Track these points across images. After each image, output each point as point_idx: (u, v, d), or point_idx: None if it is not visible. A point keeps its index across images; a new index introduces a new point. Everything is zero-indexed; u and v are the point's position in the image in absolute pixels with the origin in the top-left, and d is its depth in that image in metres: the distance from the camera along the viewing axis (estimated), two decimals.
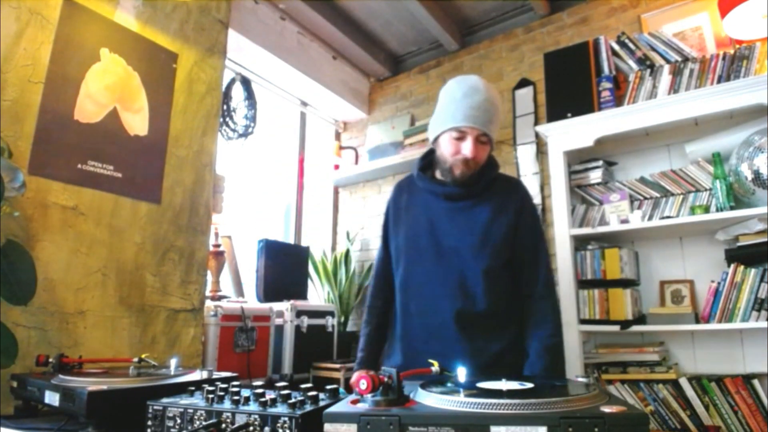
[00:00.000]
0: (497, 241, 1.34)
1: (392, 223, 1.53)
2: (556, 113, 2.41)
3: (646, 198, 2.32)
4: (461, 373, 0.88)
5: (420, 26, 3.21)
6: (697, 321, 2.04)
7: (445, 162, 1.38)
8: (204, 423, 0.81)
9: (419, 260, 1.41)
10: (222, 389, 0.86)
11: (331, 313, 2.83)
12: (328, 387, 0.90)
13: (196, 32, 2.24)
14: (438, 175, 1.46)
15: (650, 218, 2.25)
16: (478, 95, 1.33)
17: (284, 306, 2.55)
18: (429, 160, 1.50)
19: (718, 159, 2.09)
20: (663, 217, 2.21)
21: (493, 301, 1.32)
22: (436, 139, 1.41)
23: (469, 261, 1.33)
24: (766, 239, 1.95)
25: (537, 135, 2.85)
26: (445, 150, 1.37)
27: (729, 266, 2.02)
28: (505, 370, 1.15)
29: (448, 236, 1.37)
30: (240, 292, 2.75)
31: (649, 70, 2.30)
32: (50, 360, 1.30)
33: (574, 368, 2.15)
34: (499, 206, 1.38)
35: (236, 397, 0.84)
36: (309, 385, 0.86)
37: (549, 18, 3.03)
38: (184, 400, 0.87)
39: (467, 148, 1.32)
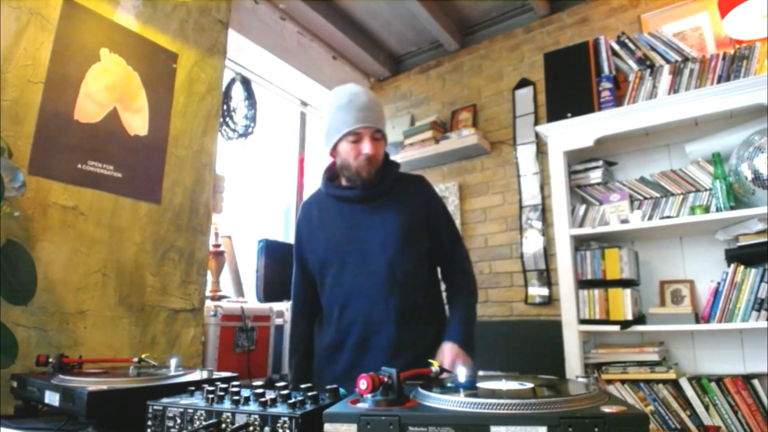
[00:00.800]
0: (412, 234, 1.43)
1: (307, 241, 1.57)
2: (556, 113, 2.41)
3: (646, 198, 2.32)
4: (461, 373, 0.88)
5: (420, 26, 3.21)
6: (697, 321, 2.04)
7: (349, 168, 1.44)
8: (204, 423, 0.81)
9: (346, 266, 1.44)
10: (222, 389, 0.86)
11: None
12: (328, 387, 0.90)
13: (196, 32, 2.24)
14: (344, 183, 1.52)
15: (650, 218, 2.25)
16: (362, 97, 1.41)
17: (284, 306, 2.55)
18: (332, 173, 1.57)
19: (718, 159, 2.09)
20: (663, 217, 2.21)
21: (417, 292, 1.43)
22: (334, 149, 1.47)
23: (393, 257, 1.40)
24: (766, 239, 1.95)
25: (537, 135, 2.85)
26: (347, 156, 1.42)
27: (729, 266, 2.02)
28: (417, 353, 1.33)
29: (370, 237, 1.43)
30: (240, 292, 2.75)
31: (649, 70, 2.30)
32: (50, 360, 1.30)
33: (574, 368, 2.15)
34: (408, 201, 1.47)
35: (236, 397, 0.84)
36: (309, 385, 0.86)
37: (549, 18, 3.03)
38: (184, 400, 0.87)
39: (366, 146, 1.39)
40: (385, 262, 1.40)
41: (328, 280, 1.48)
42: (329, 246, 1.48)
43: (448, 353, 1.34)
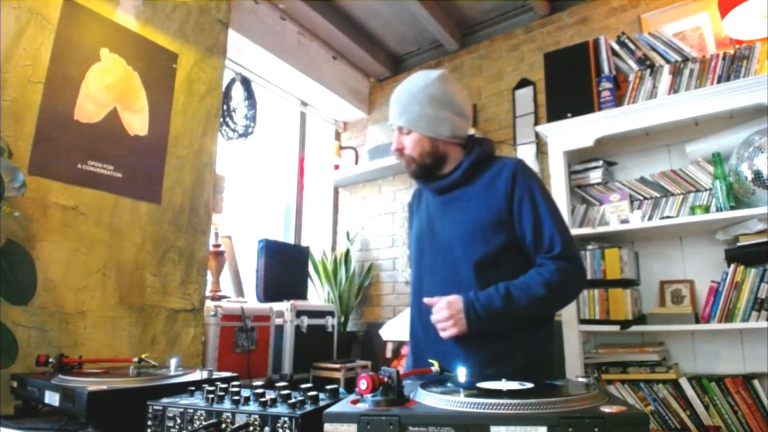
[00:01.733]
0: (485, 226, 1.28)
1: (409, 230, 1.55)
2: (556, 113, 2.41)
3: (646, 198, 2.32)
4: (461, 373, 0.88)
5: (420, 26, 3.21)
6: (697, 321, 2.04)
7: None
8: (204, 423, 0.81)
9: (421, 260, 1.40)
10: (222, 389, 0.86)
11: (331, 313, 2.83)
12: (328, 387, 0.90)
13: (196, 32, 2.24)
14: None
15: (650, 218, 2.25)
16: (396, 91, 1.39)
17: (284, 306, 2.55)
18: None
19: (718, 159, 2.09)
20: (663, 217, 2.21)
21: None
22: None
23: (460, 253, 1.29)
24: (766, 239, 1.95)
25: (537, 135, 2.85)
26: None
27: (729, 266, 2.02)
28: (508, 369, 0.97)
29: (442, 230, 1.35)
30: (240, 292, 2.75)
31: (649, 70, 2.30)
32: (50, 360, 1.30)
33: (574, 368, 2.15)
34: (485, 190, 1.32)
35: (236, 397, 0.84)
36: (309, 385, 0.86)
37: (549, 18, 3.03)
38: (184, 400, 0.87)
39: (393, 143, 1.39)
40: (450, 261, 1.30)
41: (412, 274, 1.45)
42: (414, 239, 1.46)
43: (440, 303, 1.21)
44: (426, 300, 1.25)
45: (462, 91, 1.43)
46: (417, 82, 1.36)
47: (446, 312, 1.19)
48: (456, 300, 1.20)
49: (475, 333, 1.19)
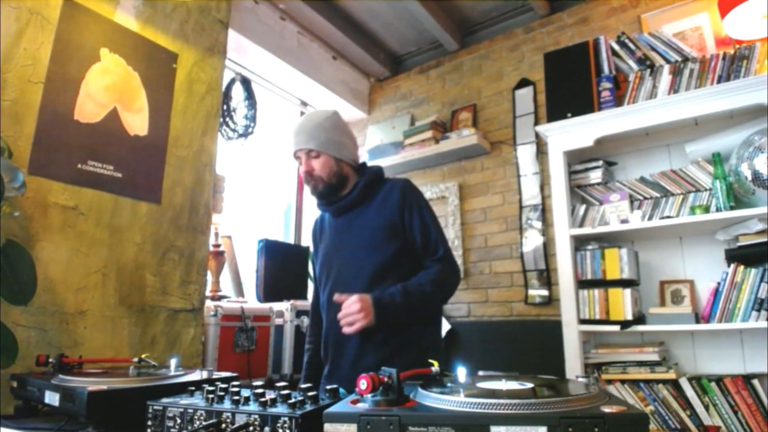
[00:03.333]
0: (383, 234, 1.48)
1: (314, 256, 1.71)
2: (556, 113, 2.41)
3: (646, 198, 2.32)
4: (461, 373, 0.88)
5: (420, 26, 3.21)
6: (697, 321, 2.04)
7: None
8: (204, 423, 0.81)
9: (329, 278, 1.56)
10: (222, 389, 0.86)
11: None
12: (328, 387, 0.90)
13: (196, 32, 2.24)
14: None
15: (650, 218, 2.25)
16: (297, 124, 1.56)
17: (284, 306, 2.55)
18: None
19: (718, 159, 2.09)
20: (663, 217, 2.21)
21: None
22: None
23: (364, 260, 1.47)
24: (766, 239, 1.95)
25: (537, 135, 2.85)
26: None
27: (729, 266, 2.02)
28: (410, 356, 1.37)
29: (347, 245, 1.53)
30: (240, 292, 2.75)
31: (649, 70, 2.30)
32: (50, 360, 1.30)
33: (574, 368, 2.15)
34: (381, 204, 1.52)
35: (236, 397, 0.84)
36: (309, 385, 0.86)
37: (549, 18, 3.03)
38: (184, 400, 0.87)
39: (301, 166, 1.55)
40: (356, 269, 1.48)
41: (322, 293, 1.60)
42: (321, 262, 1.63)
43: (352, 297, 1.35)
44: (336, 296, 1.40)
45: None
46: (318, 115, 1.58)
47: (358, 305, 1.34)
48: (365, 297, 1.36)
49: (379, 326, 1.36)
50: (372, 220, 1.51)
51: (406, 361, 1.05)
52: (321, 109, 1.64)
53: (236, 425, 0.78)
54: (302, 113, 3.67)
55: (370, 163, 1.66)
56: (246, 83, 2.92)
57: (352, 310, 1.34)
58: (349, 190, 1.56)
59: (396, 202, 1.51)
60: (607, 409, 0.62)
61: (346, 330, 1.35)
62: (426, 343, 1.49)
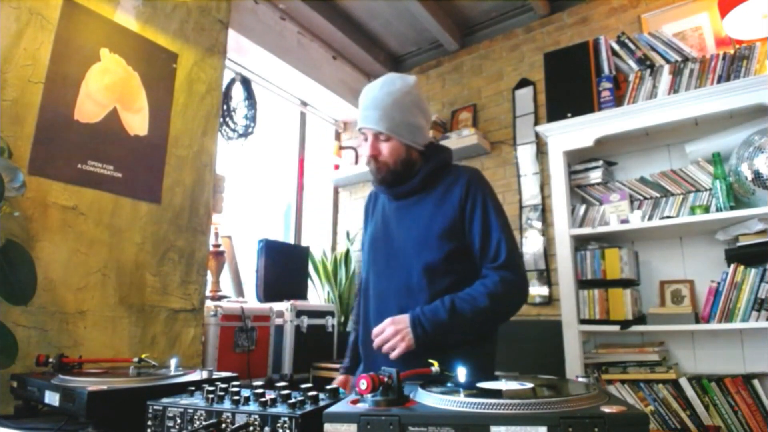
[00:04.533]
0: (440, 233, 1.30)
1: (364, 233, 1.56)
2: (556, 113, 2.41)
3: (646, 198, 2.32)
4: (461, 373, 0.88)
5: (420, 26, 3.21)
6: (697, 321, 2.04)
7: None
8: (204, 423, 0.81)
9: (375, 263, 1.42)
10: (222, 389, 0.86)
11: (331, 313, 2.83)
12: (328, 387, 0.90)
13: (196, 32, 2.24)
14: None
15: (650, 218, 2.25)
16: (370, 93, 1.34)
17: (284, 306, 2.55)
18: None
19: (718, 159, 2.09)
20: (663, 217, 2.21)
21: (436, 297, 1.26)
22: None
23: (413, 258, 1.31)
24: (766, 239, 1.95)
25: (537, 135, 2.85)
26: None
27: (729, 266, 2.02)
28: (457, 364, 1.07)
29: (397, 235, 1.37)
30: (240, 292, 2.75)
31: (649, 70, 2.30)
32: (50, 360, 1.30)
33: (574, 368, 2.15)
34: (442, 197, 1.34)
35: (236, 397, 0.84)
36: (309, 385, 0.86)
37: (549, 18, 3.03)
38: (184, 400, 0.87)
39: (365, 148, 1.36)
40: (402, 265, 1.33)
41: (364, 277, 1.47)
42: (369, 241, 1.47)
43: (385, 322, 1.23)
44: (373, 331, 1.25)
45: None
46: (398, 87, 1.34)
47: (392, 328, 1.21)
48: (402, 318, 1.22)
49: (421, 347, 1.20)
50: (428, 214, 1.33)
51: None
52: (400, 77, 1.36)
53: (236, 425, 0.78)
54: (302, 113, 3.67)
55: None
56: (246, 83, 2.92)
57: (387, 335, 1.21)
58: (411, 176, 1.37)
59: (458, 195, 1.32)
60: (607, 409, 0.62)
61: (391, 356, 1.20)
62: (477, 368, 1.27)
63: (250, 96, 2.91)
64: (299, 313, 2.58)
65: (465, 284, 1.28)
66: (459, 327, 1.22)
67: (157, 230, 1.99)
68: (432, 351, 1.15)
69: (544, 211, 2.82)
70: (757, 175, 1.95)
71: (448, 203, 1.33)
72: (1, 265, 1.37)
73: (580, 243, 2.36)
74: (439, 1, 3.07)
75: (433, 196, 1.36)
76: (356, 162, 3.61)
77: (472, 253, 1.31)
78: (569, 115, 2.35)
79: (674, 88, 2.20)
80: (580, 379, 0.86)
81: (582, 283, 2.27)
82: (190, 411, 0.83)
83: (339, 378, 1.48)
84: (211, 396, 0.85)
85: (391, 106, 1.31)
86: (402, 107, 1.32)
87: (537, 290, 2.78)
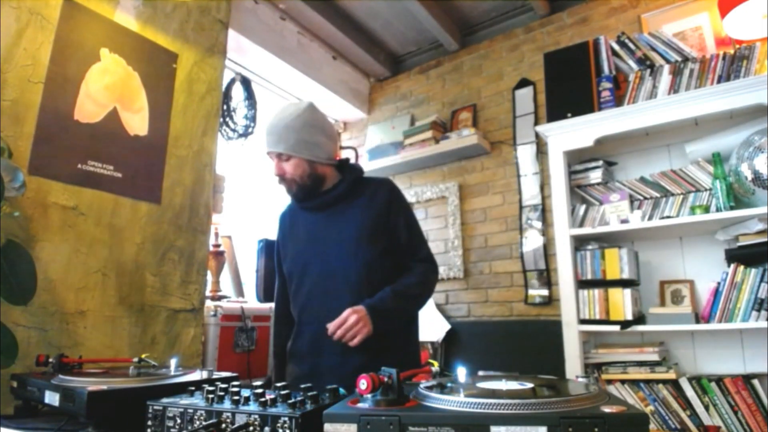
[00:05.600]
0: (371, 232, 1.46)
1: (282, 248, 1.65)
2: (556, 113, 2.41)
3: (646, 198, 2.32)
4: (461, 373, 0.88)
5: (420, 26, 3.21)
6: (697, 321, 2.04)
7: None
8: (204, 423, 0.81)
9: (307, 272, 1.51)
10: (222, 389, 0.86)
11: None
12: (328, 387, 0.90)
13: (196, 32, 2.24)
14: None
15: (650, 218, 2.25)
16: (269, 122, 1.50)
17: None
18: None
19: (718, 159, 2.09)
20: (663, 217, 2.21)
21: (375, 290, 1.41)
22: None
23: (351, 257, 1.45)
24: (766, 239, 1.95)
25: (537, 135, 2.85)
26: None
27: (729, 266, 2.02)
28: (391, 356, 1.30)
29: (329, 240, 1.49)
30: (240, 292, 2.75)
31: (649, 70, 2.30)
32: (50, 360, 1.30)
33: (574, 368, 2.15)
34: (368, 202, 1.51)
35: (236, 397, 0.84)
36: (309, 384, 0.86)
37: (549, 18, 3.03)
38: (184, 400, 0.87)
39: (274, 169, 1.50)
40: (341, 264, 1.45)
41: (293, 288, 1.56)
42: (295, 256, 1.57)
43: (346, 312, 1.33)
44: (330, 325, 1.34)
45: (327, 117, 1.61)
46: (289, 112, 1.49)
47: (355, 316, 1.32)
48: (359, 308, 1.35)
49: (376, 332, 1.35)
50: (358, 217, 1.49)
51: (389, 365, 1.00)
52: (293, 104, 1.54)
53: (236, 425, 0.78)
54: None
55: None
56: (246, 83, 2.92)
57: (351, 323, 1.32)
58: (334, 186, 1.53)
59: (383, 201, 1.51)
60: (607, 409, 0.62)
61: (351, 343, 1.32)
62: (411, 347, 1.53)
63: (250, 96, 2.91)
64: None
65: (394, 275, 1.47)
66: (402, 311, 1.45)
67: (157, 230, 1.99)
68: (372, 340, 1.35)
69: (544, 211, 2.82)
70: (757, 175, 1.95)
71: (374, 207, 1.50)
72: (1, 265, 1.37)
73: (580, 243, 2.36)
74: (439, 1, 3.07)
75: (359, 203, 1.51)
76: (356, 162, 3.61)
77: (396, 250, 1.50)
78: (569, 115, 2.35)
79: (674, 88, 2.20)
80: (580, 379, 0.86)
81: (582, 283, 2.27)
82: (190, 411, 0.83)
83: None
84: (211, 396, 0.85)
85: (284, 129, 1.46)
86: (295, 129, 1.46)
87: (537, 290, 2.78)
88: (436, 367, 0.95)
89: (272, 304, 2.53)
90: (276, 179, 1.52)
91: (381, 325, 1.36)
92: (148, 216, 1.96)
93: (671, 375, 2.05)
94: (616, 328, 2.11)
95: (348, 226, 1.48)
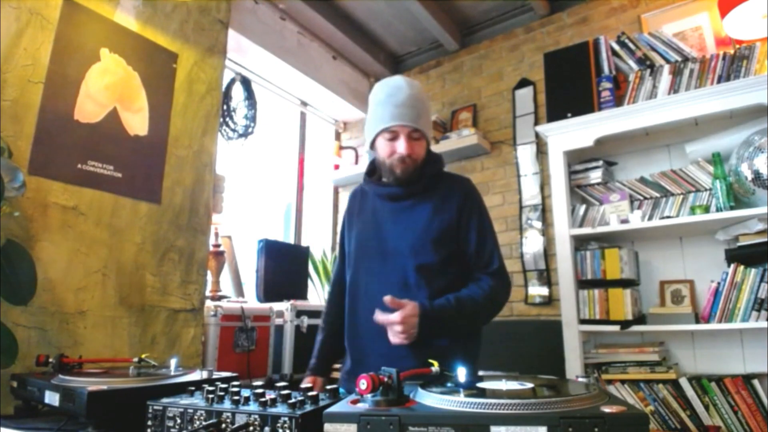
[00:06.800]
0: (436, 237, 1.34)
1: (347, 230, 1.55)
2: (556, 113, 2.41)
3: (646, 198, 2.32)
4: (461, 373, 0.88)
5: (420, 26, 3.21)
6: (697, 321, 2.04)
7: (384, 165, 1.40)
8: (204, 423, 0.81)
9: (366, 262, 1.42)
10: (222, 389, 0.86)
11: None
12: (328, 387, 0.90)
13: (196, 32, 2.24)
14: (384, 178, 1.46)
15: (650, 218, 2.25)
16: (402, 93, 1.35)
17: (284, 306, 2.55)
18: (373, 167, 1.53)
19: (718, 159, 2.09)
20: (663, 217, 2.21)
21: (434, 297, 1.29)
22: (372, 145, 1.44)
23: (410, 260, 1.34)
24: (766, 239, 1.95)
25: (537, 135, 2.85)
26: (382, 152, 1.39)
27: (729, 266, 2.02)
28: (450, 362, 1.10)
29: (392, 236, 1.39)
30: (240, 292, 2.75)
31: (649, 70, 2.30)
32: (50, 360, 1.30)
33: (574, 368, 2.15)
34: (440, 203, 1.38)
35: (236, 397, 0.84)
36: (309, 384, 0.86)
37: (549, 18, 3.03)
38: (184, 400, 0.87)
39: (401, 146, 1.35)
40: (398, 266, 1.35)
41: (350, 274, 1.47)
42: (358, 240, 1.47)
43: (402, 309, 1.22)
44: (389, 299, 1.22)
45: None
46: (420, 89, 1.38)
47: (415, 319, 1.21)
48: (415, 311, 1.23)
49: (420, 338, 1.24)
50: (427, 218, 1.36)
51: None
52: (408, 79, 1.40)
53: (236, 425, 0.78)
54: (302, 113, 3.67)
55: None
56: (246, 83, 2.92)
57: (409, 326, 1.21)
58: (416, 178, 1.40)
59: (457, 203, 1.38)
60: (607, 409, 0.62)
61: (394, 341, 1.23)
62: (467, 357, 1.32)
63: (250, 96, 2.91)
64: (299, 313, 2.57)
65: (459, 284, 1.34)
66: (457, 326, 1.30)
67: (157, 230, 1.99)
68: (420, 345, 1.23)
69: (544, 211, 2.82)
70: (757, 175, 1.95)
71: (447, 209, 1.38)
72: (1, 265, 1.37)
73: (580, 243, 2.36)
74: (439, 1, 3.07)
75: (431, 201, 1.39)
76: (356, 162, 3.61)
77: (463, 258, 1.37)
78: (569, 115, 2.35)
79: (674, 88, 2.20)
80: (580, 379, 0.86)
81: (582, 283, 2.27)
82: (190, 411, 0.83)
83: (307, 379, 1.47)
84: (211, 396, 0.85)
85: (422, 105, 1.36)
86: (427, 109, 1.38)
87: (537, 290, 2.78)
88: (436, 366, 0.95)
89: (272, 304, 2.54)
90: (397, 158, 1.35)
91: (427, 331, 1.24)
92: (148, 216, 1.96)
93: (671, 375, 2.05)
94: (616, 328, 2.11)
95: (414, 226, 1.36)
